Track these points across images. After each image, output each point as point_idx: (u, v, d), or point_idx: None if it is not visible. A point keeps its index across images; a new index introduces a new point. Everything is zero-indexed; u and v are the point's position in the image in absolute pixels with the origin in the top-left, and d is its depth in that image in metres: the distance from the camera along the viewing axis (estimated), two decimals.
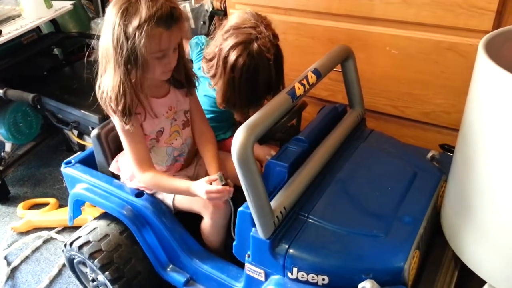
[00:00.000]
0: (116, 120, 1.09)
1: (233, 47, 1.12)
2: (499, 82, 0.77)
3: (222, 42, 1.16)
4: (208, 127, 1.27)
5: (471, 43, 1.25)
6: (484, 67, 0.80)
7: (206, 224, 1.17)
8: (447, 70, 1.33)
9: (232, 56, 1.12)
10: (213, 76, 1.21)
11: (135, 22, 0.95)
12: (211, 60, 1.20)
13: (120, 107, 1.03)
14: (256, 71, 1.13)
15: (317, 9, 1.51)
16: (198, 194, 1.05)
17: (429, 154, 1.20)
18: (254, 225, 0.93)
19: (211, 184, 1.03)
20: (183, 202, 1.19)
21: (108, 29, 0.99)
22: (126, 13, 0.96)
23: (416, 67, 1.38)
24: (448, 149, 1.39)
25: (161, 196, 1.21)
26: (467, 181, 0.90)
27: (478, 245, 0.88)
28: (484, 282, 0.93)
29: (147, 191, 1.22)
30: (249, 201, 0.88)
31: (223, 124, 1.41)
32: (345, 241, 0.93)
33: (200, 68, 1.31)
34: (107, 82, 1.04)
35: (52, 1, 1.98)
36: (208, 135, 1.26)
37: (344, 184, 1.08)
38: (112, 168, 1.29)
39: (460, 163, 0.94)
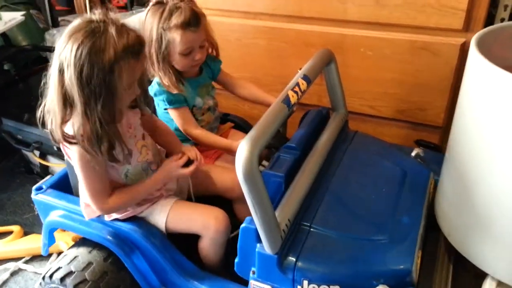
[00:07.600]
0: (76, 151, 0.97)
1: None
2: (491, 78, 0.78)
3: None
4: None
5: (444, 42, 1.28)
6: (476, 64, 0.82)
7: (205, 244, 1.11)
8: (422, 69, 1.36)
9: None
10: None
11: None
12: None
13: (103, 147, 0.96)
14: None
15: (288, 13, 1.50)
16: (174, 175, 1.13)
17: (414, 152, 1.22)
18: (259, 241, 0.90)
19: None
20: (178, 224, 1.12)
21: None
22: None
23: (391, 67, 1.40)
24: (425, 145, 1.43)
25: (153, 221, 1.14)
26: (463, 177, 0.91)
27: (481, 241, 0.90)
28: (479, 276, 0.96)
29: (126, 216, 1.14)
30: (255, 217, 0.85)
31: None
32: (351, 248, 0.92)
33: None
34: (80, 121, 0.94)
35: (1, 13, 1.83)
36: None
37: (340, 189, 1.07)
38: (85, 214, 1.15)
39: (454, 160, 0.96)
